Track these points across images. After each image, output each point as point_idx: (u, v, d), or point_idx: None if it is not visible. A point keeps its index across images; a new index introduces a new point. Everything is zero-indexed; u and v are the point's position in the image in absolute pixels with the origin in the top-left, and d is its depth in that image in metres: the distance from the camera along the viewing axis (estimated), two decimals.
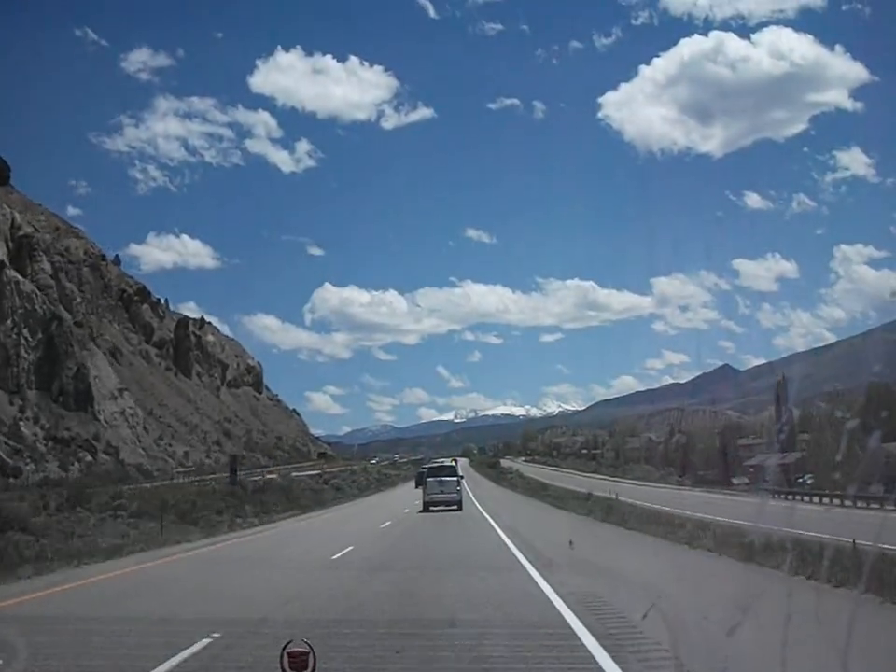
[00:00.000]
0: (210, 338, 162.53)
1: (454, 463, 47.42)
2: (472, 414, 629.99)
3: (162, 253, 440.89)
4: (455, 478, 38.81)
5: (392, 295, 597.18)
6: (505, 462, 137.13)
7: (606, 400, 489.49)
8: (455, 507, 36.80)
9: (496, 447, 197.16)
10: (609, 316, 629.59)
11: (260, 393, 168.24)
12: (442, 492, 37.41)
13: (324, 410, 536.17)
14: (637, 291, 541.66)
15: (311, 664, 3.95)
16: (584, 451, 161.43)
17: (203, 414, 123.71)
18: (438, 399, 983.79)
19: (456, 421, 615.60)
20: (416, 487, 57.00)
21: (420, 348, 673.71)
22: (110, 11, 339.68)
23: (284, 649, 3.99)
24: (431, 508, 36.75)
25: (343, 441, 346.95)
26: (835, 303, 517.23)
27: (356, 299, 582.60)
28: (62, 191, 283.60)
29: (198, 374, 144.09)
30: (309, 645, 4.01)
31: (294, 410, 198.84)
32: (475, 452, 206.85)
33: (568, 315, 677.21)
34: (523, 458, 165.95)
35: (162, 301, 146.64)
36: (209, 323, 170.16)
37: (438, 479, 38.37)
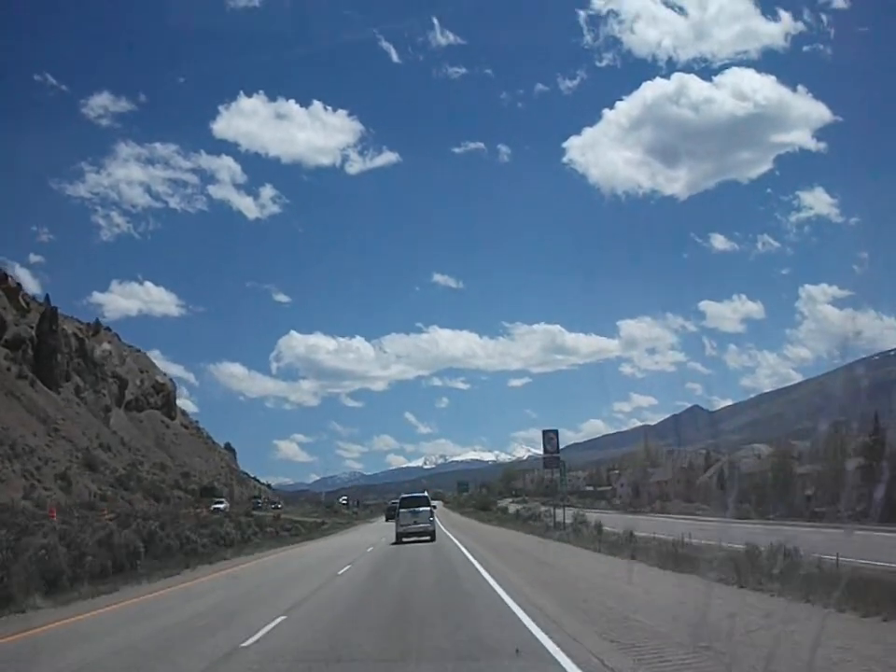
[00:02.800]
0: (106, 346, 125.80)
1: (426, 494, 47.96)
2: (441, 460, 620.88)
3: (126, 300, 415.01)
4: (427, 508, 38.69)
5: (359, 341, 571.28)
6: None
7: (575, 444, 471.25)
8: (428, 538, 36.82)
9: (490, 486, 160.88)
10: (576, 360, 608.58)
11: (172, 418, 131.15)
12: (416, 522, 37.55)
13: (292, 458, 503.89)
14: (603, 334, 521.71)
15: None
16: (589, 487, 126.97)
17: (61, 438, 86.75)
18: (406, 445, 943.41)
19: (426, 467, 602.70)
20: (387, 521, 69.14)
21: (388, 395, 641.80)
22: (70, 56, 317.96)
23: None
24: (404, 539, 36.77)
25: (311, 489, 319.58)
26: (801, 343, 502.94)
27: (322, 346, 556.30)
28: (23, 238, 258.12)
29: (77, 389, 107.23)
30: None
31: (228, 444, 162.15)
32: (448, 494, 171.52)
33: (536, 360, 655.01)
34: (509, 500, 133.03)
35: (26, 290, 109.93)
36: (108, 329, 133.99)
37: (411, 510, 38.40)
